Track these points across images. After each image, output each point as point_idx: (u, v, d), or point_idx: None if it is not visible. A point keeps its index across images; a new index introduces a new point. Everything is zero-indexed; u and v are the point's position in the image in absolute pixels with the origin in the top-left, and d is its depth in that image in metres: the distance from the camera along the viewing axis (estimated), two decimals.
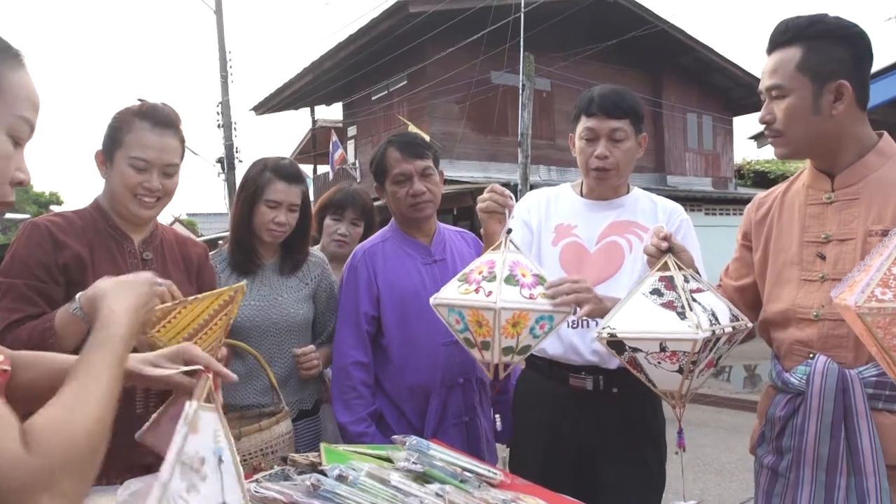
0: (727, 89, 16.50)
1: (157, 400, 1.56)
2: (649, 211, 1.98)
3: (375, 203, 2.76)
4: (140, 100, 1.68)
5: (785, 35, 1.46)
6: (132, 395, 1.53)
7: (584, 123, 1.91)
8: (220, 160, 15.97)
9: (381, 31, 13.02)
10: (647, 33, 13.05)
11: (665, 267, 1.51)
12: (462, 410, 2.04)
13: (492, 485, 1.48)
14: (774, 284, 1.57)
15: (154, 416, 1.17)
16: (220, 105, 15.59)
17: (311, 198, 2.22)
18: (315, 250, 2.30)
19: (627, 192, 2.02)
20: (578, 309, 1.60)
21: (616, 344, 1.46)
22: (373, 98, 15.39)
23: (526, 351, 1.63)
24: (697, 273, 1.58)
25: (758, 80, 1.54)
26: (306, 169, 16.91)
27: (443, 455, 1.50)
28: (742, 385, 8.29)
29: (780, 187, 1.66)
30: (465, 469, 1.48)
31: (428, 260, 2.08)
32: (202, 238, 15.60)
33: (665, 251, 1.53)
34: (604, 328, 1.46)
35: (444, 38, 12.38)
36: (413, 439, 1.51)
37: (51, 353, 1.12)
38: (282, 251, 2.13)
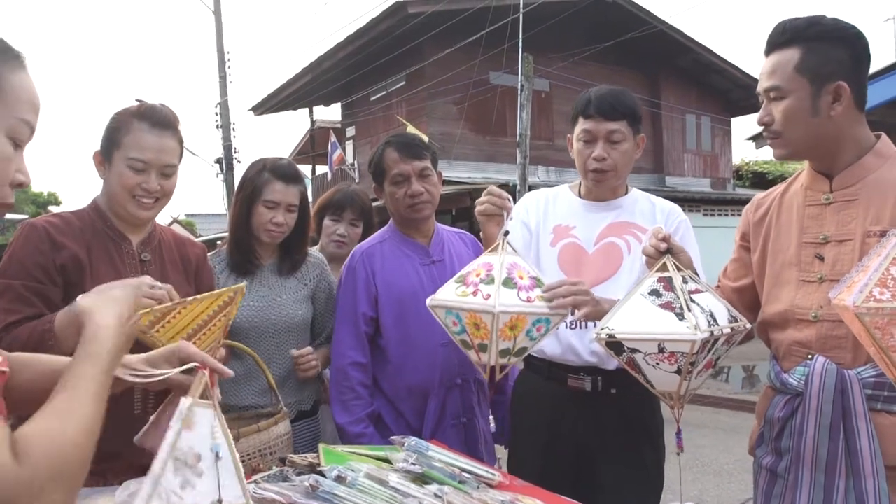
0: (726, 90, 16.52)
1: (156, 400, 1.55)
2: (648, 212, 1.98)
3: (374, 204, 2.75)
4: (138, 100, 1.67)
5: (783, 36, 1.46)
6: (130, 395, 1.53)
7: (581, 125, 1.91)
8: (218, 160, 15.97)
9: (380, 31, 13.03)
10: (646, 34, 13.06)
11: (664, 268, 1.51)
12: (460, 411, 2.04)
13: (490, 486, 1.48)
14: (773, 285, 1.57)
15: (153, 417, 1.17)
16: (218, 105, 15.59)
17: (310, 198, 2.22)
18: (314, 251, 2.30)
19: (626, 193, 2.02)
20: (575, 311, 1.61)
21: (614, 345, 1.46)
22: (371, 98, 15.39)
23: (522, 353, 1.64)
24: (696, 274, 1.58)
25: (756, 82, 1.54)
26: (305, 169, 16.89)
27: (441, 456, 1.50)
28: (740, 386, 8.29)
29: (779, 188, 1.66)
30: (463, 470, 1.48)
31: (426, 261, 2.07)
32: (201, 238, 15.60)
33: (664, 252, 1.53)
34: (602, 329, 1.46)
35: (443, 39, 12.38)
36: (412, 440, 1.51)
37: (45, 355, 1.11)
38: (280, 252, 2.13)
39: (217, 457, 1.00)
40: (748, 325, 1.51)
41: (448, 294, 1.59)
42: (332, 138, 15.30)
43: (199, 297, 1.47)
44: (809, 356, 1.47)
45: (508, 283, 1.54)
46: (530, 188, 8.97)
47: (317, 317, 2.19)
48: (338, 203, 2.66)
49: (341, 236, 2.63)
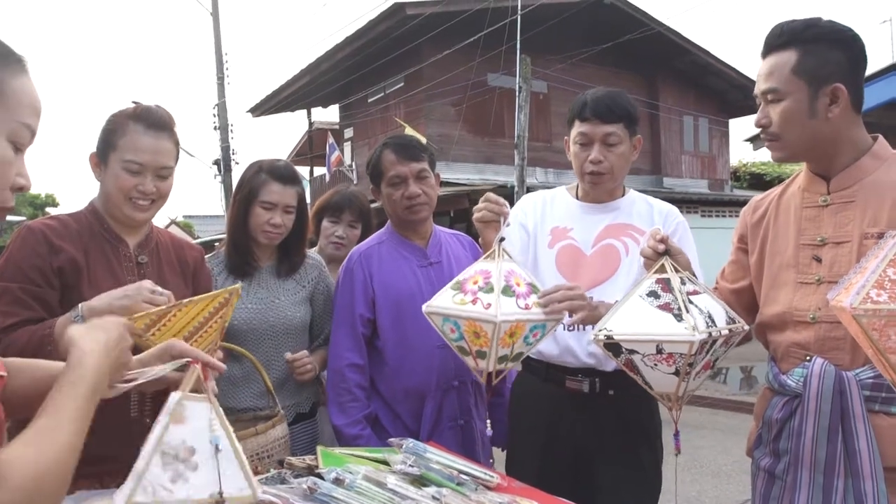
0: (723, 92, 16.55)
1: (152, 403, 1.55)
2: (645, 213, 1.98)
3: (372, 205, 2.76)
4: (134, 102, 1.67)
5: (780, 39, 1.46)
6: (126, 398, 1.53)
7: (577, 128, 1.91)
8: (216, 162, 15.95)
9: (378, 33, 13.04)
10: (644, 36, 13.08)
11: (662, 269, 1.51)
12: (457, 413, 2.04)
13: (488, 487, 1.48)
14: (771, 287, 1.57)
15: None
16: (216, 107, 15.58)
17: (308, 200, 2.21)
18: (312, 252, 2.30)
19: (623, 195, 2.02)
20: (570, 315, 1.62)
21: (613, 346, 1.46)
22: (369, 100, 15.39)
23: (519, 357, 1.66)
24: (694, 275, 1.58)
25: (753, 83, 1.54)
26: (303, 171, 16.87)
27: (439, 458, 1.50)
28: (739, 387, 8.30)
29: (776, 190, 1.66)
30: (461, 472, 1.47)
31: (423, 262, 2.07)
32: (198, 240, 15.60)
33: (662, 253, 1.53)
34: (600, 330, 1.46)
35: (441, 41, 12.39)
36: (410, 442, 1.51)
37: (41, 360, 1.11)
38: (278, 253, 2.13)
39: (217, 449, 1.00)
40: (746, 327, 1.51)
41: (445, 301, 1.59)
42: (330, 140, 15.30)
43: (194, 298, 1.46)
44: (808, 358, 1.47)
45: (507, 291, 1.55)
46: (528, 190, 8.98)
47: (315, 319, 2.19)
48: (336, 205, 2.66)
49: (340, 238, 2.63)
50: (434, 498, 1.28)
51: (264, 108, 17.78)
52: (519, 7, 10.57)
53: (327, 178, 15.78)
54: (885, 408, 1.39)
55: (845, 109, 1.44)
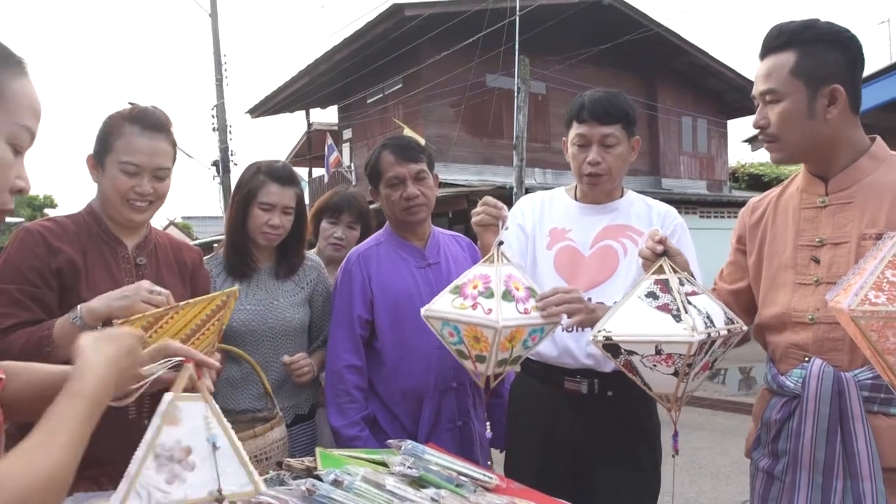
0: (721, 93, 16.57)
1: (151, 404, 1.55)
2: (643, 214, 1.98)
3: (371, 206, 2.75)
4: (130, 103, 1.67)
5: (778, 40, 1.46)
6: None
7: (575, 130, 1.91)
8: (215, 163, 15.95)
9: (377, 34, 13.04)
10: (642, 37, 13.09)
11: (660, 270, 1.51)
12: (456, 415, 2.04)
13: (487, 489, 1.48)
14: (769, 288, 1.57)
15: None
16: (215, 108, 15.58)
17: (307, 201, 2.21)
18: (311, 254, 2.29)
19: (621, 196, 2.02)
20: (566, 317, 1.62)
21: (611, 347, 1.46)
22: (368, 101, 15.39)
23: (518, 360, 1.67)
24: (692, 276, 1.59)
25: (752, 84, 1.54)
26: (301, 172, 16.85)
27: (438, 459, 1.50)
28: (737, 388, 8.30)
29: (775, 191, 1.66)
30: (460, 473, 1.47)
31: (422, 263, 2.07)
32: (197, 241, 15.60)
33: (660, 254, 1.53)
34: (599, 331, 1.46)
35: (440, 42, 12.40)
36: (408, 443, 1.51)
37: (37, 364, 1.11)
38: (277, 255, 2.13)
39: (214, 447, 1.00)
40: (744, 327, 1.51)
41: (444, 305, 1.59)
42: (329, 141, 15.30)
43: (191, 301, 1.46)
44: (806, 358, 1.47)
45: (507, 296, 1.55)
46: (527, 191, 8.99)
47: (314, 320, 2.19)
48: (335, 206, 2.66)
49: (339, 239, 2.63)
50: (433, 500, 1.28)
51: (263, 109, 17.77)
52: (517, 8, 10.58)
53: (326, 179, 15.78)
54: (884, 409, 1.39)
55: (843, 110, 1.44)
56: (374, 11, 13.79)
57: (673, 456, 1.51)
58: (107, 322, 1.46)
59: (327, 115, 18.96)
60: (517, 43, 10.29)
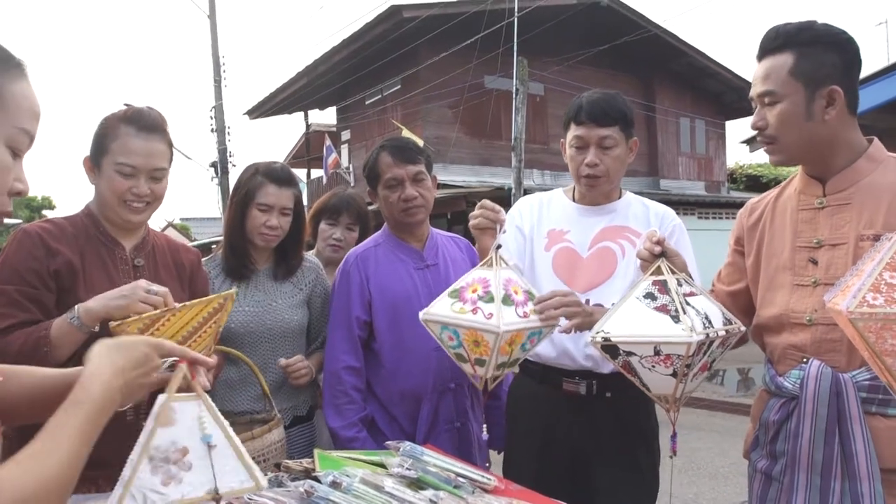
0: (719, 94, 16.59)
1: (148, 406, 1.54)
2: (641, 215, 1.98)
3: (370, 208, 2.75)
4: (126, 105, 1.67)
5: (776, 41, 1.46)
6: None
7: (573, 131, 1.91)
8: (213, 164, 15.94)
9: (375, 35, 13.04)
10: (640, 38, 13.11)
11: (658, 271, 1.51)
12: (454, 416, 2.03)
13: (486, 490, 1.48)
14: (767, 289, 1.58)
15: None
16: (213, 109, 15.58)
17: (305, 202, 2.21)
18: (310, 255, 2.29)
19: (619, 197, 2.02)
20: (564, 320, 1.63)
21: (610, 348, 1.46)
22: (367, 102, 15.40)
23: (516, 363, 1.69)
24: (690, 277, 1.59)
25: (750, 85, 1.54)
26: (300, 173, 16.87)
27: (437, 461, 1.50)
28: (736, 389, 8.31)
29: (772, 193, 1.67)
30: (459, 475, 1.47)
31: (420, 265, 2.07)
32: (195, 242, 15.58)
33: (658, 255, 1.53)
34: (598, 332, 1.46)
35: (438, 43, 12.40)
36: (407, 445, 1.51)
37: (32, 367, 1.10)
38: (276, 256, 2.12)
39: (209, 446, 1.00)
40: (742, 328, 1.52)
41: (443, 309, 1.59)
42: (328, 142, 15.30)
43: (188, 303, 1.45)
44: (804, 360, 1.47)
45: (507, 300, 1.56)
46: (525, 192, 8.99)
47: (312, 322, 2.18)
48: (334, 207, 2.67)
49: (337, 240, 2.63)
50: (431, 501, 1.28)
51: (261, 110, 17.77)
52: (516, 9, 10.58)
53: (324, 180, 15.77)
54: (882, 409, 1.39)
55: (841, 112, 1.44)
56: (373, 13, 13.81)
57: (671, 457, 1.52)
58: (104, 322, 1.46)
59: (326, 117, 18.98)
60: (515, 44, 10.30)
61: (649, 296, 1.46)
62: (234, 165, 15.54)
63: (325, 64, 14.53)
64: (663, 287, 1.47)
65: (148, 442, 0.97)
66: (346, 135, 16.72)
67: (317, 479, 1.28)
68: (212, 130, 15.66)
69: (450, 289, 1.64)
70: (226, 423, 1.04)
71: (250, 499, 1.20)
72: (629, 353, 1.44)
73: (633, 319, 1.44)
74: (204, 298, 1.49)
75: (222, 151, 15.52)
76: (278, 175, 2.03)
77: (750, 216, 1.68)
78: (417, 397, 2.00)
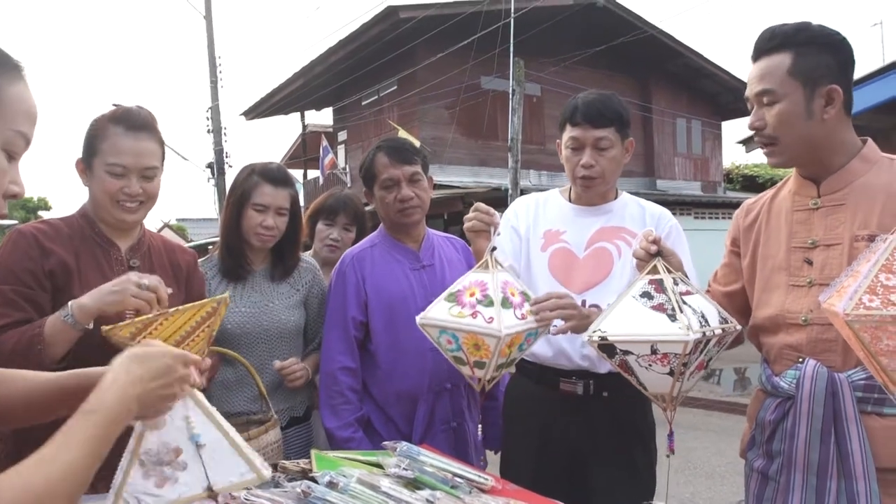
0: (715, 94, 16.63)
1: None
2: (637, 216, 1.99)
3: (366, 208, 2.75)
4: (114, 105, 1.66)
5: (772, 41, 1.47)
6: None
7: (569, 132, 1.91)
8: (209, 165, 15.92)
9: (372, 36, 13.04)
10: (636, 39, 13.13)
11: (654, 270, 1.51)
12: (450, 416, 2.03)
13: (483, 490, 1.48)
14: (763, 290, 1.58)
15: None
16: (209, 110, 15.55)
17: (302, 203, 2.21)
18: (306, 256, 2.29)
19: (616, 198, 2.02)
20: (560, 321, 1.64)
21: (607, 347, 1.46)
22: (363, 103, 15.39)
23: (512, 363, 1.68)
24: (686, 276, 1.59)
25: (746, 86, 1.54)
26: (296, 174, 16.86)
27: (434, 461, 1.49)
28: (732, 388, 8.33)
29: (768, 194, 1.67)
30: (455, 475, 1.47)
31: (416, 265, 2.07)
32: (192, 243, 15.55)
33: (654, 254, 1.53)
34: (594, 331, 1.46)
35: (435, 44, 12.41)
36: (404, 445, 1.51)
37: (25, 371, 1.10)
38: (272, 257, 2.12)
39: (198, 445, 1.00)
40: (738, 327, 1.52)
41: (441, 313, 1.59)
42: (324, 143, 15.28)
43: (181, 308, 1.45)
44: (800, 359, 1.47)
45: (506, 303, 1.56)
46: (522, 192, 8.99)
47: (309, 322, 2.18)
48: (331, 208, 2.67)
49: (335, 241, 2.63)
50: (428, 501, 1.28)
51: (258, 111, 17.75)
52: (512, 10, 10.59)
53: (321, 181, 15.76)
54: (878, 409, 1.39)
55: (839, 111, 1.45)
56: (370, 13, 13.80)
57: (668, 456, 1.52)
58: (98, 321, 1.45)
59: (322, 117, 18.96)
60: (512, 45, 10.31)
61: (646, 295, 1.47)
62: (230, 166, 15.55)
63: (321, 65, 14.52)
64: (659, 286, 1.47)
65: (137, 447, 0.96)
66: (342, 135, 16.71)
67: (314, 480, 1.28)
68: (208, 131, 15.64)
69: (446, 292, 1.64)
70: (221, 418, 1.04)
71: (247, 499, 1.20)
72: (626, 352, 1.44)
73: (629, 318, 1.44)
74: (197, 303, 1.48)
75: (219, 152, 15.50)
76: (274, 175, 2.03)
77: (746, 217, 1.68)
78: (413, 398, 2.00)
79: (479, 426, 1.93)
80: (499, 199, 10.06)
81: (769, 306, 1.55)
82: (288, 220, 2.06)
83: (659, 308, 1.43)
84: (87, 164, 1.63)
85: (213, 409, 1.03)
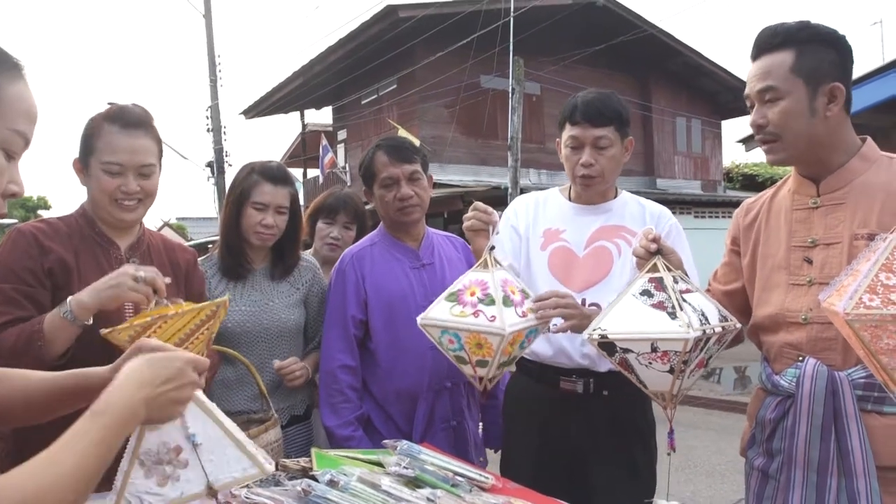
0: (715, 93, 16.62)
1: None
2: (637, 215, 1.99)
3: (367, 207, 2.75)
4: (109, 103, 1.66)
5: (774, 39, 1.47)
6: None
7: (568, 131, 1.91)
8: (209, 164, 15.91)
9: (371, 35, 13.03)
10: (636, 38, 13.12)
11: (654, 268, 1.51)
12: (450, 414, 2.04)
13: (483, 489, 1.48)
14: (763, 289, 1.58)
15: None
16: (209, 109, 15.54)
17: (302, 202, 2.21)
18: (307, 255, 2.29)
19: (615, 196, 2.02)
20: (560, 321, 1.64)
21: (607, 345, 1.46)
22: (363, 102, 15.38)
23: (513, 361, 1.69)
24: (686, 275, 1.59)
25: (745, 84, 1.54)
26: (296, 173, 16.85)
27: (434, 459, 1.50)
28: (732, 387, 8.33)
29: (768, 193, 1.67)
30: (456, 473, 1.47)
31: (416, 264, 2.07)
32: (192, 242, 15.56)
33: (654, 253, 1.53)
34: (594, 329, 1.46)
35: (434, 43, 12.40)
36: (404, 444, 1.51)
37: (24, 370, 1.10)
38: (272, 256, 2.12)
39: (194, 444, 1.00)
40: (738, 325, 1.52)
41: (442, 313, 1.59)
42: (324, 142, 15.27)
43: (180, 311, 1.44)
44: (800, 358, 1.47)
45: (507, 301, 1.56)
46: (522, 191, 8.99)
47: (309, 321, 2.18)
48: (331, 206, 2.67)
49: (335, 239, 2.63)
50: (428, 500, 1.28)
51: (257, 110, 17.74)
52: (512, 9, 10.58)
53: (321, 179, 15.74)
54: (878, 407, 1.39)
55: (840, 109, 1.45)
56: (369, 12, 13.77)
57: (668, 453, 1.52)
58: (98, 317, 1.45)
59: (322, 116, 18.96)
60: (511, 44, 10.31)
61: (646, 293, 1.47)
62: (230, 165, 15.53)
63: (321, 63, 14.51)
64: (659, 284, 1.47)
65: (136, 448, 0.97)
66: (342, 134, 16.70)
67: (314, 478, 1.28)
68: (208, 130, 15.63)
69: (446, 292, 1.64)
70: (221, 415, 1.04)
71: (247, 497, 1.20)
72: (626, 350, 1.44)
73: (629, 316, 1.44)
74: (196, 306, 1.48)
75: (218, 151, 15.49)
76: (274, 173, 2.03)
77: (746, 216, 1.68)
78: (413, 396, 2.00)
79: (481, 424, 1.92)
80: (498, 198, 10.07)
81: (769, 305, 1.55)
82: (288, 218, 2.06)
83: (659, 306, 1.43)
84: (83, 164, 1.63)
85: (212, 407, 1.03)
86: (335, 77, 14.71)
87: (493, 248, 1.67)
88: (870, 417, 1.39)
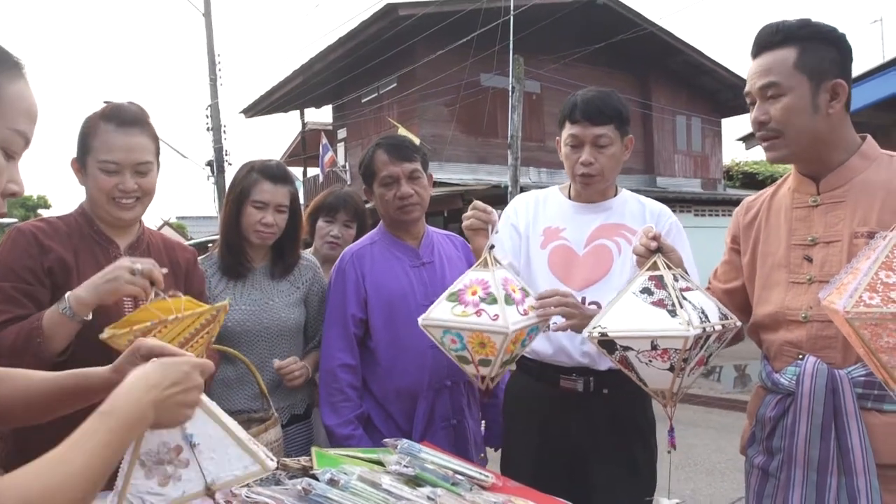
0: (715, 91, 16.62)
1: None
2: (637, 213, 1.98)
3: (367, 206, 2.76)
4: (105, 102, 1.66)
5: (776, 36, 1.46)
6: None
7: (568, 130, 1.91)
8: (209, 163, 15.91)
9: (371, 33, 13.03)
10: (636, 36, 13.12)
11: (654, 266, 1.51)
12: (450, 413, 2.04)
13: (483, 487, 1.48)
14: (763, 287, 1.58)
15: None
16: (209, 108, 15.53)
17: (302, 200, 2.20)
18: (307, 254, 2.29)
19: (615, 195, 2.02)
20: (560, 319, 1.65)
21: (607, 343, 1.46)
22: (363, 100, 15.38)
23: (514, 359, 1.69)
24: (686, 273, 1.59)
25: (746, 82, 1.54)
26: (296, 171, 16.85)
27: (434, 458, 1.50)
28: (732, 385, 8.33)
29: (768, 191, 1.67)
30: (456, 472, 1.48)
31: (416, 263, 2.07)
32: (191, 241, 15.56)
33: (654, 251, 1.53)
34: (595, 327, 1.46)
35: (434, 41, 12.39)
36: (404, 442, 1.51)
37: (23, 370, 1.10)
38: (272, 254, 2.12)
39: (192, 444, 1.00)
40: (738, 323, 1.52)
41: (444, 313, 1.59)
42: (324, 140, 15.27)
43: (179, 316, 1.44)
44: (800, 356, 1.47)
45: (509, 300, 1.56)
46: (522, 189, 8.99)
47: (310, 320, 2.18)
48: (331, 205, 2.67)
49: (335, 238, 2.63)
50: (429, 498, 1.28)
51: (257, 109, 17.73)
52: (512, 7, 10.58)
53: (321, 178, 15.74)
54: (878, 405, 1.39)
55: (842, 107, 1.45)
56: (369, 11, 13.81)
57: (669, 451, 1.52)
58: (97, 310, 1.45)
59: (322, 115, 18.95)
60: (511, 42, 10.30)
61: (646, 291, 1.47)
62: (230, 164, 15.53)
63: (320, 62, 14.50)
64: (660, 282, 1.47)
65: (137, 448, 0.96)
66: (342, 133, 16.70)
67: (315, 477, 1.29)
68: (207, 129, 15.62)
69: (447, 292, 1.64)
70: (221, 413, 1.04)
71: (248, 496, 1.20)
72: (626, 348, 1.44)
73: (629, 314, 1.44)
74: (196, 310, 1.48)
75: (218, 150, 15.49)
76: (273, 172, 2.03)
77: (746, 214, 1.68)
78: (413, 395, 2.00)
79: (483, 422, 1.92)
80: (498, 197, 10.07)
81: (769, 303, 1.55)
82: (288, 217, 2.06)
83: (659, 304, 1.43)
84: (81, 163, 1.63)
85: (212, 405, 1.03)
86: (335, 76, 14.71)
87: (492, 246, 1.67)
88: (870, 415, 1.39)
